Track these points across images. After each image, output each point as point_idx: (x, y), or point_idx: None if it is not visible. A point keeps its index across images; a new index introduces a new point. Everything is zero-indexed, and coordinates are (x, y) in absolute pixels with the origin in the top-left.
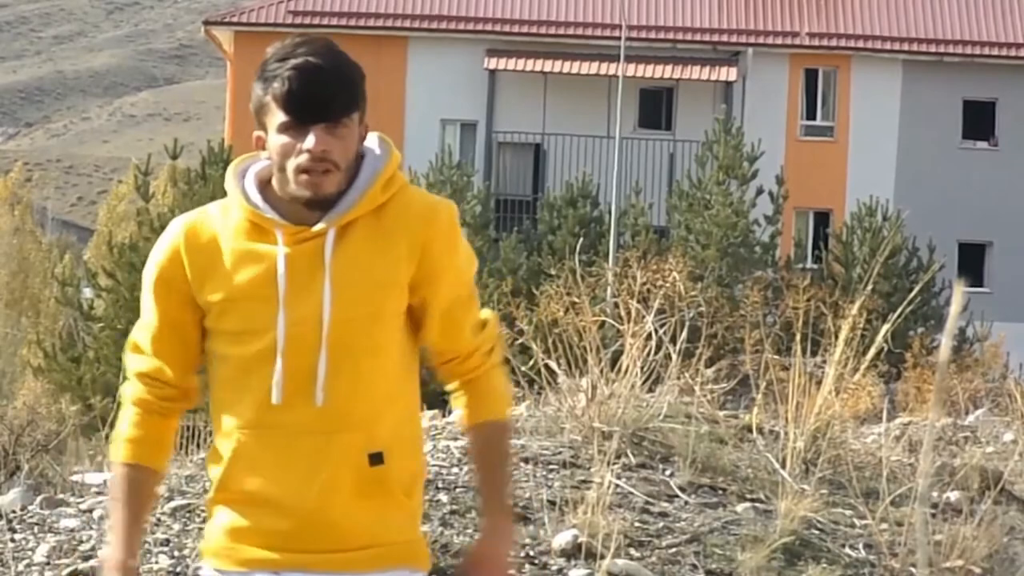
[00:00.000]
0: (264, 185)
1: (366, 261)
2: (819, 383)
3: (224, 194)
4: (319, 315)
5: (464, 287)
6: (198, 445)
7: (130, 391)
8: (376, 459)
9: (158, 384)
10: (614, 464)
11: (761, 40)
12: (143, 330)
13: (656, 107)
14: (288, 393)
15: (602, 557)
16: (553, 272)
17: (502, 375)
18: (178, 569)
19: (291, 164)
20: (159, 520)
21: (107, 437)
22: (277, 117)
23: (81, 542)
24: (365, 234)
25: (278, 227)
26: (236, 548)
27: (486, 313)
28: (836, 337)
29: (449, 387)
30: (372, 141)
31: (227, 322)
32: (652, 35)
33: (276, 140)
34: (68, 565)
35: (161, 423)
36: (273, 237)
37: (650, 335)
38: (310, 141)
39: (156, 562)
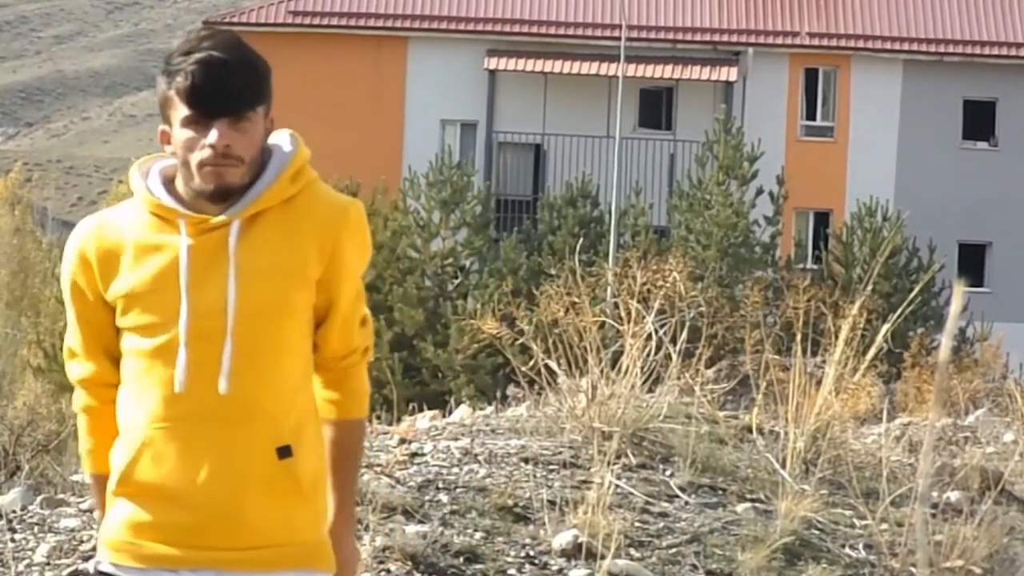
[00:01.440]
0: (168, 181)
1: (273, 252)
2: (819, 383)
3: None
4: (223, 305)
5: (359, 285)
6: None
7: (76, 399)
8: (284, 452)
9: (98, 387)
10: (614, 464)
11: (761, 40)
12: (72, 334)
13: (656, 107)
14: (192, 383)
15: (602, 557)
16: (553, 272)
17: (366, 372)
18: None
19: (194, 158)
20: None
21: None
22: (180, 111)
23: (81, 542)
24: (273, 227)
25: (181, 217)
26: (136, 544)
27: (366, 310)
28: (836, 337)
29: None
30: (281, 137)
31: (132, 316)
32: (652, 35)
33: (180, 134)
34: (68, 565)
35: (112, 425)
36: (177, 228)
37: (650, 335)
38: (213, 136)
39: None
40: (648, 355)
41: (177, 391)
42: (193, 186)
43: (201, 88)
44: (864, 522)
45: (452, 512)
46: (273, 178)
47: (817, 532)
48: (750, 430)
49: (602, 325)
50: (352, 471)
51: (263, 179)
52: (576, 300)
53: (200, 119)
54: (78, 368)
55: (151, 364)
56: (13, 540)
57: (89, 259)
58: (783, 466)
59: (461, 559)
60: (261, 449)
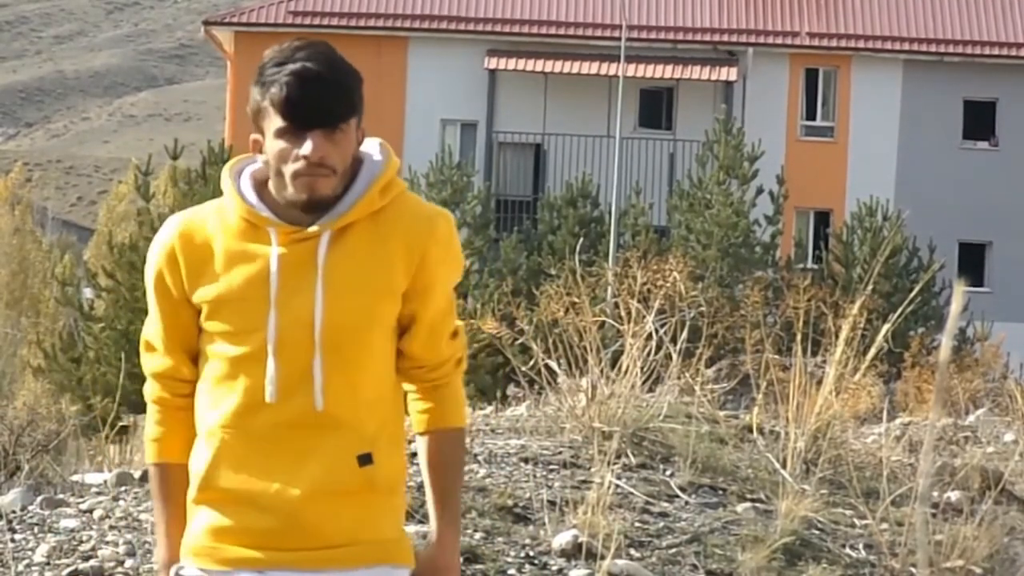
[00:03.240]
0: (260, 186)
1: (361, 265)
2: (819, 383)
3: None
4: (311, 317)
5: (449, 297)
6: None
7: (149, 390)
8: (365, 459)
9: (173, 381)
10: (614, 464)
11: (761, 40)
12: (152, 328)
13: (656, 107)
14: (279, 393)
15: (602, 557)
16: (553, 272)
17: (462, 383)
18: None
19: (288, 169)
20: None
21: (107, 438)
22: (275, 122)
23: (81, 542)
24: (362, 239)
25: (272, 227)
26: (219, 547)
27: (458, 322)
28: (836, 337)
29: (409, 389)
30: (371, 146)
31: (218, 321)
32: (652, 35)
33: (274, 145)
34: (68, 565)
35: (184, 417)
36: (267, 237)
37: (650, 335)
38: (307, 147)
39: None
40: (648, 355)
41: (268, 401)
42: (285, 195)
43: (296, 100)
44: (864, 522)
45: None
46: (363, 190)
47: (817, 532)
48: (750, 430)
49: (602, 325)
50: (453, 480)
51: (353, 190)
52: (576, 300)
53: (294, 130)
54: (155, 361)
55: (235, 370)
56: (13, 540)
57: (177, 257)
58: (783, 466)
59: (461, 559)
60: (343, 457)
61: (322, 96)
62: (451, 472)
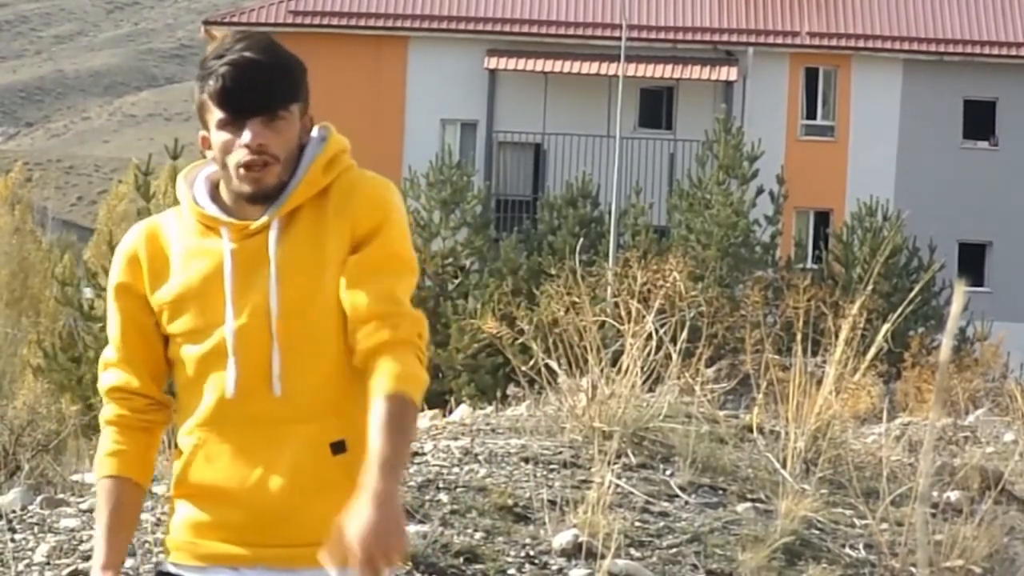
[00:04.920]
0: (214, 188)
1: (310, 247)
2: (819, 383)
3: None
4: (266, 308)
5: (381, 252)
6: None
7: (104, 412)
8: (338, 447)
9: (127, 396)
10: (614, 464)
11: (761, 40)
12: (111, 342)
13: (656, 107)
14: (243, 386)
15: (602, 557)
16: (553, 272)
17: (412, 358)
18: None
19: (231, 160)
20: (159, 520)
21: None
22: (215, 114)
23: (81, 542)
24: (309, 220)
25: (223, 224)
26: (196, 543)
27: (412, 309)
28: (836, 337)
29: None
30: (315, 131)
31: (178, 323)
32: (652, 35)
33: (216, 137)
34: (68, 565)
35: (141, 438)
36: (220, 235)
37: (650, 335)
38: (246, 136)
39: (157, 561)
40: (648, 355)
41: (228, 396)
42: (232, 188)
43: (231, 89)
44: (864, 522)
45: (452, 512)
46: (305, 170)
47: (817, 532)
48: (750, 430)
49: (602, 325)
50: (385, 438)
51: (296, 174)
52: (576, 300)
53: (234, 120)
54: (110, 376)
55: (201, 369)
56: (13, 540)
57: (140, 261)
58: (783, 466)
59: (461, 559)
60: (315, 446)
61: (257, 83)
62: (384, 433)
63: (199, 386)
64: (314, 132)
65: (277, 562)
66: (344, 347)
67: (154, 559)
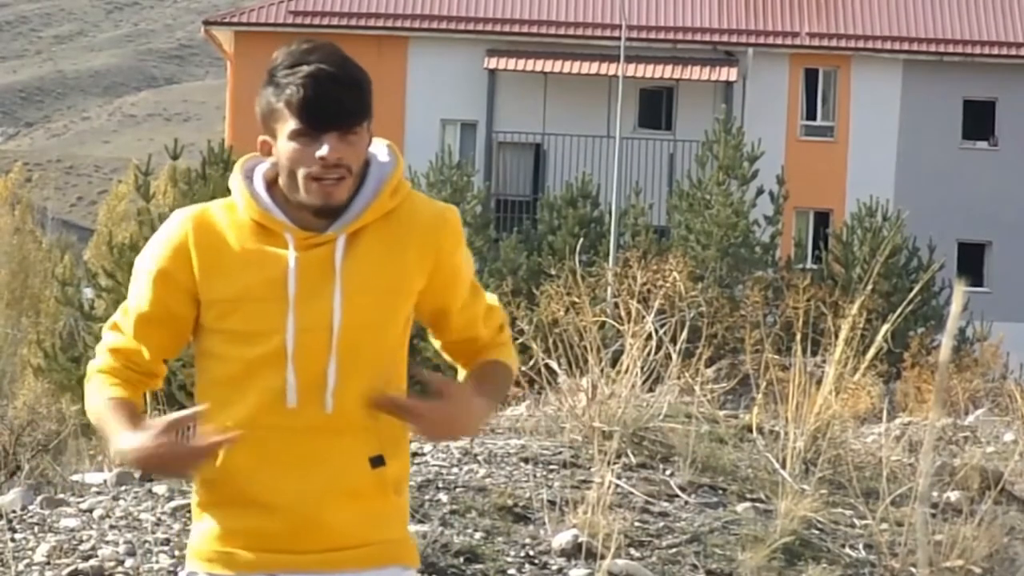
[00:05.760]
0: (270, 187)
1: (376, 268)
2: (819, 383)
3: (225, 193)
4: (329, 321)
5: (473, 283)
6: None
7: (98, 362)
8: (377, 461)
9: (129, 361)
10: (614, 464)
11: (761, 40)
12: (130, 315)
13: (656, 107)
14: (299, 397)
15: (602, 557)
16: (553, 272)
17: (512, 350)
18: (178, 569)
19: (302, 172)
20: (159, 520)
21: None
22: (289, 124)
23: (81, 542)
24: (375, 241)
25: (288, 231)
26: (230, 552)
27: (492, 298)
28: (836, 337)
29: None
30: (377, 147)
31: (231, 322)
32: (652, 35)
33: (287, 146)
34: (68, 565)
35: (132, 389)
36: (282, 240)
37: (650, 335)
38: (324, 149)
39: (157, 562)
40: (648, 355)
41: (290, 406)
42: (298, 198)
43: (313, 102)
44: (864, 522)
45: (452, 512)
46: (374, 193)
47: (817, 532)
48: (750, 430)
49: (602, 325)
50: (498, 384)
51: (364, 193)
52: (576, 300)
53: (310, 132)
54: (118, 339)
55: (249, 372)
56: (13, 540)
57: (190, 251)
58: (783, 466)
59: (461, 559)
60: (356, 460)
61: (339, 98)
62: (500, 379)
63: (240, 388)
64: (379, 148)
65: (313, 567)
66: (394, 364)
67: (156, 560)
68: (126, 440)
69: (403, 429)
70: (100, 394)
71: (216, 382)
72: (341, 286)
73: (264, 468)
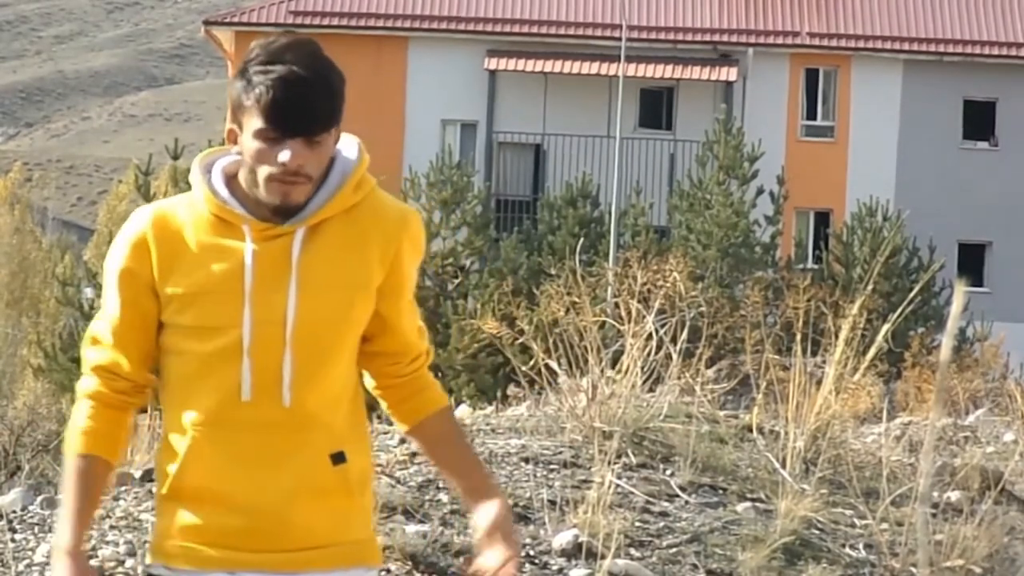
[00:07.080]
0: (230, 179)
1: (335, 263)
2: (819, 383)
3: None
4: (284, 315)
5: (412, 292)
6: None
7: (85, 385)
8: (338, 458)
9: (113, 377)
10: (615, 464)
11: (761, 40)
12: (105, 321)
13: (656, 107)
14: (254, 391)
15: (602, 557)
16: (553, 272)
17: (439, 385)
18: None
19: (263, 171)
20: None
21: None
22: (255, 123)
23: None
24: (335, 235)
25: (246, 223)
26: (191, 547)
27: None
28: (836, 337)
29: (376, 387)
30: (345, 143)
31: (187, 316)
32: (652, 35)
33: (251, 143)
34: None
35: (116, 416)
36: (240, 233)
37: (651, 335)
38: (285, 155)
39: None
40: (648, 355)
41: (244, 400)
42: (256, 194)
43: (280, 106)
44: (864, 522)
45: (452, 512)
46: (336, 187)
47: (817, 532)
48: (750, 430)
49: (602, 325)
50: (469, 447)
51: (326, 187)
52: (576, 300)
53: (275, 135)
54: (99, 354)
55: (206, 367)
56: (13, 540)
57: (149, 247)
58: (783, 466)
59: (461, 559)
60: (316, 456)
61: (306, 105)
62: (464, 440)
63: (202, 383)
64: (345, 144)
65: (275, 567)
66: (352, 363)
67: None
68: (62, 548)
69: (363, 425)
70: (74, 441)
71: (177, 378)
72: (297, 279)
73: (228, 465)
